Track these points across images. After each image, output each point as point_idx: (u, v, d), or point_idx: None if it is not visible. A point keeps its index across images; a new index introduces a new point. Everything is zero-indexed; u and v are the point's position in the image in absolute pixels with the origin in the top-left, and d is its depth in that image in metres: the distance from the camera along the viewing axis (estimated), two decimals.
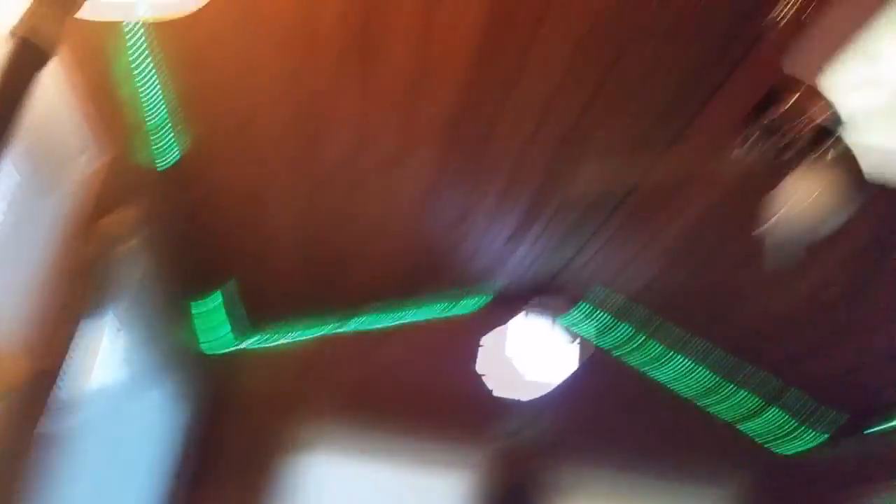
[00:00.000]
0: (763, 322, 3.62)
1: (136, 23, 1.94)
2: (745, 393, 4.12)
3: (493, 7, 2.01)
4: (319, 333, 4.13)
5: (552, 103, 2.39)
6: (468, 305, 4.09)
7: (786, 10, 1.86)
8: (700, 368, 4.08)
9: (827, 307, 3.32)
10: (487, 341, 3.91)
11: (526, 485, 4.29)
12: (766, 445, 4.34)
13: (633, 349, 4.14)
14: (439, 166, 2.77)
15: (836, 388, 3.88)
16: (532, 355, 3.88)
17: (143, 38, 2.03)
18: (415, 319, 4.15)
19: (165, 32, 2.02)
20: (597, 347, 4.09)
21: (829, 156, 2.09)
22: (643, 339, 4.04)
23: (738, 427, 4.34)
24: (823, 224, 2.17)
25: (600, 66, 2.20)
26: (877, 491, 3.77)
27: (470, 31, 2.10)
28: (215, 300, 3.76)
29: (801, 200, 2.11)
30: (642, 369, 4.25)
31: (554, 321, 3.92)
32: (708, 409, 4.31)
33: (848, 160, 2.04)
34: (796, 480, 4.31)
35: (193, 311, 3.77)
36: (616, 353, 4.21)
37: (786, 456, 4.31)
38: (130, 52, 2.06)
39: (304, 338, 4.15)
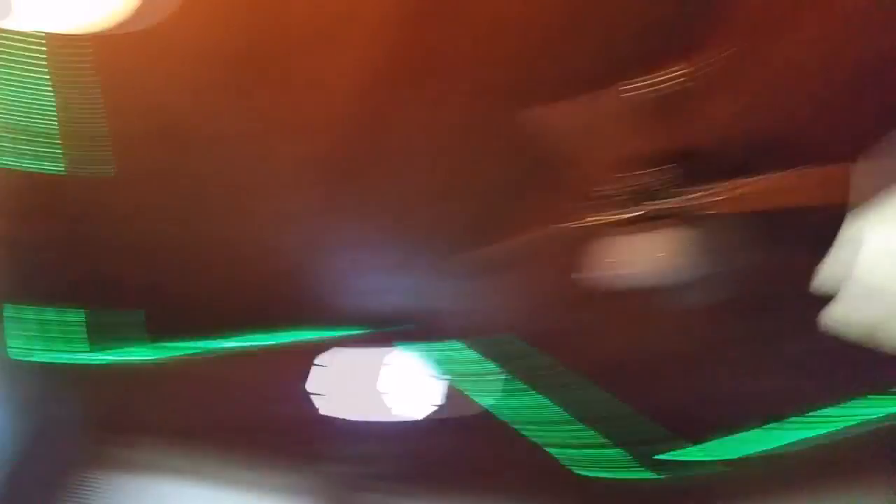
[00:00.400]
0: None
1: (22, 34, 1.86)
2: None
3: (390, 52, 2.10)
4: (171, 354, 4.00)
5: (434, 153, 2.50)
6: (332, 335, 4.08)
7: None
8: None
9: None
10: (340, 369, 3.94)
11: None
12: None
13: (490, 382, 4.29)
14: (321, 197, 2.79)
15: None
16: (385, 386, 3.94)
17: (31, 48, 1.95)
18: (268, 345, 4.09)
19: (56, 44, 1.96)
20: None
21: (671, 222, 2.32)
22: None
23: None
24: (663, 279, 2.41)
25: (487, 119, 2.33)
26: None
27: (363, 76, 2.17)
28: (58, 313, 3.59)
29: (649, 257, 2.32)
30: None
31: (413, 356, 4.01)
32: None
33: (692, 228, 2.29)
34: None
35: (27, 319, 3.58)
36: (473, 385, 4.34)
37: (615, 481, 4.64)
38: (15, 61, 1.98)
39: (155, 356, 3.99)
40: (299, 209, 2.87)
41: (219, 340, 3.95)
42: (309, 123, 2.38)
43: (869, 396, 3.60)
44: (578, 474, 4.64)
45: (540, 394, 4.26)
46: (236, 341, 3.96)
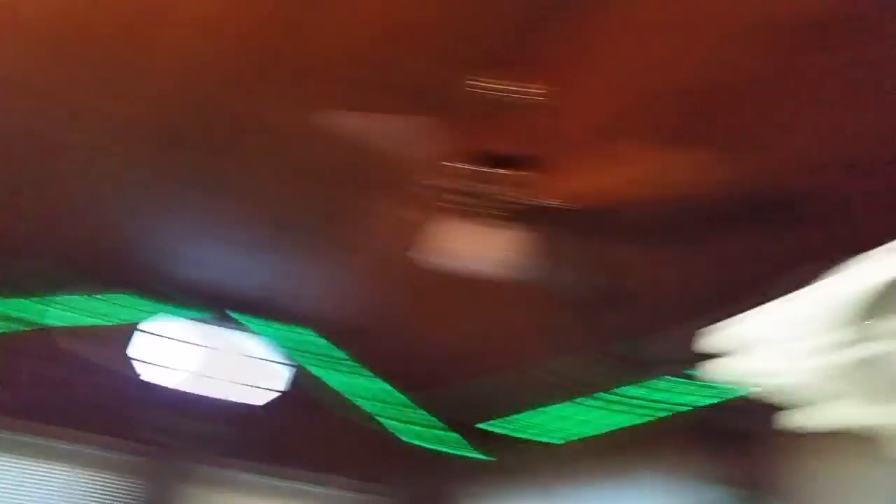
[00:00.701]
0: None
1: None
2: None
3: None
4: None
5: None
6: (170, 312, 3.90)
7: None
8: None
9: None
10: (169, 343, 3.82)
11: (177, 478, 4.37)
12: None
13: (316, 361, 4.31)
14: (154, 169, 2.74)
15: None
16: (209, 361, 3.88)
17: None
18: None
19: None
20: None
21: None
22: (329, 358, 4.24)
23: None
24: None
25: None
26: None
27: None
28: None
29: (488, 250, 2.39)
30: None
31: (240, 336, 3.94)
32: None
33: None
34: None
35: None
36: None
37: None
38: None
39: None
40: (135, 178, 2.83)
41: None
42: (146, 94, 2.34)
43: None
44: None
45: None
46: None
